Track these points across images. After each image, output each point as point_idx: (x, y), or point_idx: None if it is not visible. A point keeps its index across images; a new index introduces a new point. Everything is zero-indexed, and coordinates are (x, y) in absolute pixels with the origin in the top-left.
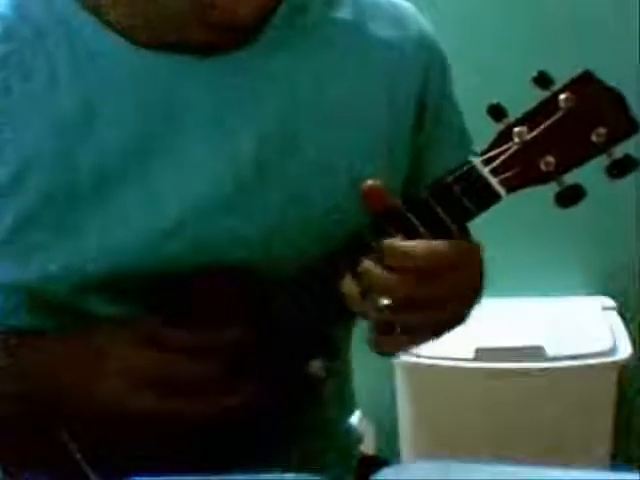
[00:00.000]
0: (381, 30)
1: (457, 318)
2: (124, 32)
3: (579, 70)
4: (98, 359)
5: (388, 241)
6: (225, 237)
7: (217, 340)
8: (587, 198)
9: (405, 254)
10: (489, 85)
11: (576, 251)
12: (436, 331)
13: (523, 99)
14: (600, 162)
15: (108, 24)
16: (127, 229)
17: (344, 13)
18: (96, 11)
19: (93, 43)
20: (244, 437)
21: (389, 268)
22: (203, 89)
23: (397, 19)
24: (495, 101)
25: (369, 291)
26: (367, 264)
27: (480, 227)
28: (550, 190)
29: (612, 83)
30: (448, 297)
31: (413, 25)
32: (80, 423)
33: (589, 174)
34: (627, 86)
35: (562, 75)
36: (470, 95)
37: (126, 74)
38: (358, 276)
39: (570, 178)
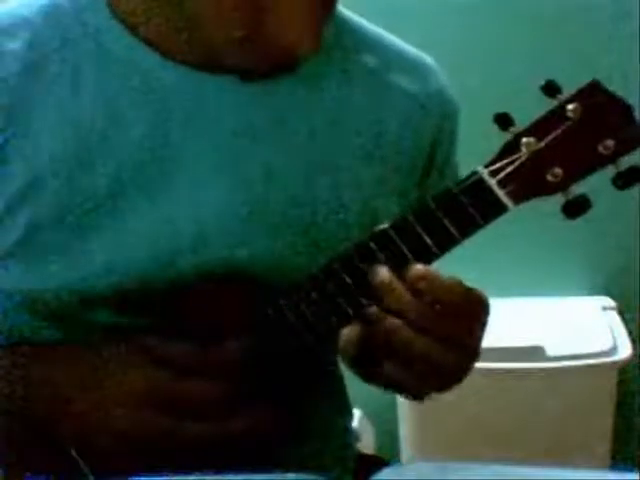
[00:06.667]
0: (402, 80)
1: (454, 373)
2: (156, 46)
3: (579, 71)
4: (98, 383)
5: (426, 272)
6: (233, 246)
7: (216, 357)
8: None
9: (443, 288)
10: (487, 85)
11: (576, 251)
12: (431, 379)
13: (522, 99)
14: None
15: (143, 39)
16: (138, 246)
17: (369, 59)
18: (128, 23)
19: (121, 54)
20: (242, 443)
21: (417, 293)
22: (228, 112)
23: (419, 72)
24: (502, 110)
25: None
26: (400, 290)
27: None
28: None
29: (612, 84)
30: (457, 342)
31: (433, 80)
32: (83, 442)
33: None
34: (627, 87)
35: (563, 75)
36: (469, 96)
37: (152, 87)
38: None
39: (575, 187)
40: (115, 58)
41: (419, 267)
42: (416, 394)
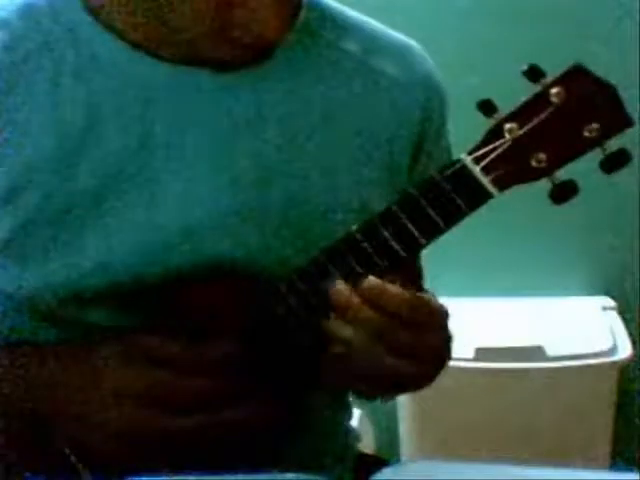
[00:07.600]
0: (388, 67)
1: (420, 377)
2: (135, 43)
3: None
4: (95, 382)
5: (377, 284)
6: (225, 241)
7: (210, 354)
8: (587, 197)
9: (394, 298)
10: (487, 85)
11: (576, 251)
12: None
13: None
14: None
15: (118, 34)
16: (127, 242)
17: (352, 46)
18: (106, 21)
19: (101, 51)
20: (241, 440)
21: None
22: (210, 104)
23: (404, 58)
24: (485, 97)
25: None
26: (356, 302)
27: (480, 227)
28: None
29: (612, 83)
30: (416, 350)
31: (419, 65)
32: (82, 441)
33: (589, 173)
34: (627, 86)
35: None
36: (469, 95)
37: (133, 84)
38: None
39: (567, 174)
40: (94, 55)
41: (371, 279)
42: (368, 397)
